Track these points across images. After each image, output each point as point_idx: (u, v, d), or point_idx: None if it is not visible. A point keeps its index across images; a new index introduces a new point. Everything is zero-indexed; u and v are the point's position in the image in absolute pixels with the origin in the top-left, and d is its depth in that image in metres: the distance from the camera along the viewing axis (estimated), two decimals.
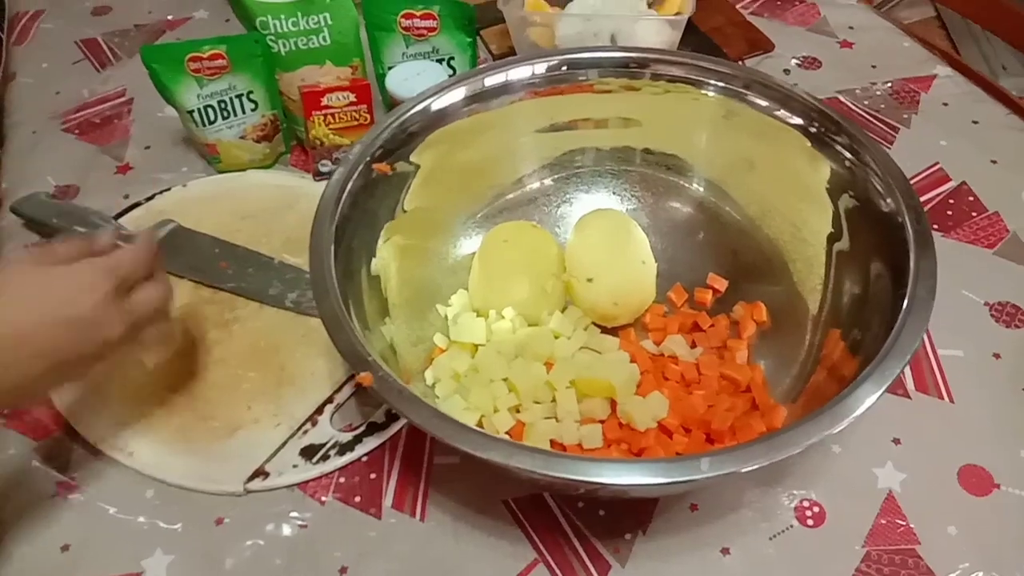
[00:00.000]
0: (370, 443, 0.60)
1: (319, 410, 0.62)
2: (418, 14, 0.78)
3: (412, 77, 0.75)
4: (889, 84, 0.89)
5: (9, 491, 0.58)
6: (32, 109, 0.90)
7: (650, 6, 0.86)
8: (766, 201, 0.66)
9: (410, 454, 0.60)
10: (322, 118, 0.75)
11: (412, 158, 0.63)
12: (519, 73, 0.65)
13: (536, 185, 0.70)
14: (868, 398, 0.45)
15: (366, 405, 0.62)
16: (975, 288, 0.68)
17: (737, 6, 1.00)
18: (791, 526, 0.55)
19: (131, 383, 0.62)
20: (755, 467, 0.43)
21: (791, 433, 0.44)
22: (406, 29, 0.78)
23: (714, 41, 0.94)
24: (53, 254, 0.52)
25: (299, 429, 0.61)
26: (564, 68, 0.65)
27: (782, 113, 0.62)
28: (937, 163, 0.79)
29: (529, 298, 0.63)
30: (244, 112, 0.77)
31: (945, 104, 0.86)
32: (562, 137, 0.70)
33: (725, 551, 0.54)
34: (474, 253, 0.67)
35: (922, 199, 0.67)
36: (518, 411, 0.58)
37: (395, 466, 0.59)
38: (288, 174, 0.82)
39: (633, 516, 0.56)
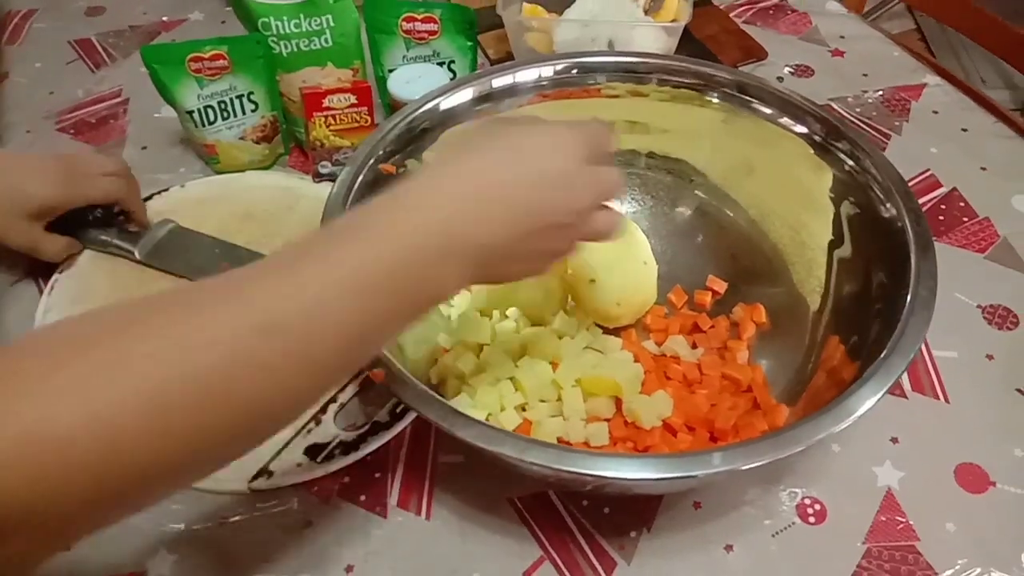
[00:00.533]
0: (374, 442, 0.59)
1: (323, 409, 0.61)
2: (419, 17, 0.78)
3: (414, 80, 0.75)
4: (880, 92, 0.90)
5: None
6: (26, 109, 0.89)
7: (647, 13, 0.87)
8: (766, 205, 0.67)
9: (414, 453, 0.60)
10: (323, 119, 0.75)
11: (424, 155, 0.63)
12: (528, 75, 0.65)
13: None
14: (873, 394, 0.46)
15: (370, 404, 0.62)
16: (968, 291, 0.70)
17: (731, 15, 1.01)
18: (793, 523, 0.56)
19: None
20: (766, 461, 0.43)
21: (799, 429, 0.45)
22: (407, 32, 0.79)
23: (709, 49, 0.95)
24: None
25: (303, 428, 0.60)
26: (574, 72, 0.66)
27: (784, 120, 0.63)
28: (928, 169, 0.81)
29: (533, 298, 0.63)
30: (244, 113, 0.77)
31: (935, 112, 0.88)
32: None
33: (729, 548, 0.55)
34: None
35: None
36: (524, 410, 0.58)
37: (399, 465, 0.59)
38: (287, 175, 0.82)
39: (638, 514, 0.56)
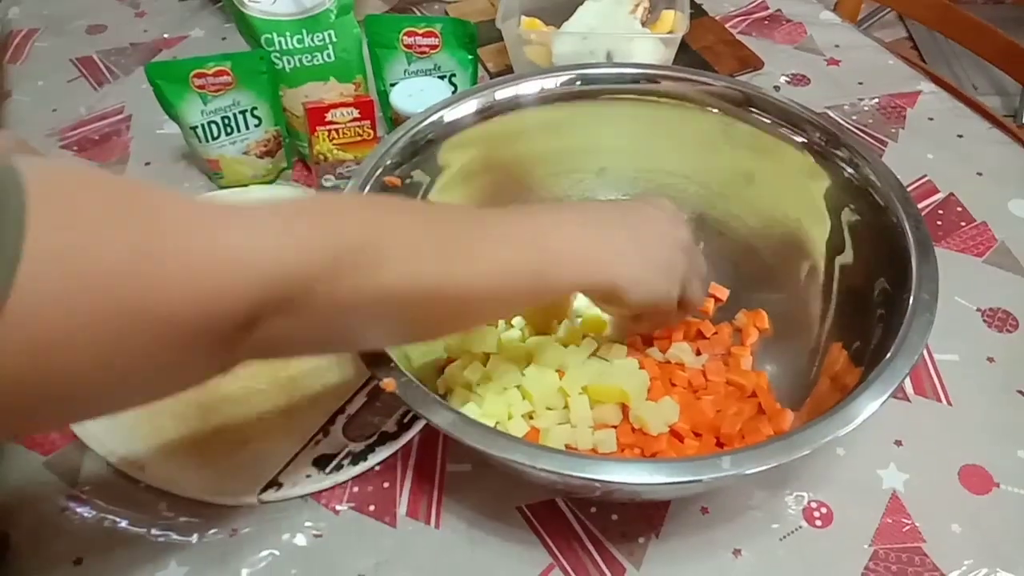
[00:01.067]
0: (382, 452, 0.60)
1: (331, 421, 0.62)
2: (420, 32, 0.79)
3: (416, 93, 0.76)
4: (876, 100, 0.91)
5: (20, 506, 0.58)
6: (29, 127, 0.90)
7: (644, 25, 0.88)
8: (766, 213, 0.68)
9: (423, 463, 0.60)
10: (326, 133, 0.76)
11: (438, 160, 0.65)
12: (530, 87, 0.66)
13: (544, 196, 0.71)
14: (878, 397, 0.46)
15: (377, 415, 0.63)
16: (967, 295, 0.70)
17: (726, 25, 1.03)
18: (800, 527, 0.57)
19: None
20: (775, 464, 0.44)
21: (806, 432, 0.45)
22: (408, 47, 0.80)
23: (705, 59, 0.96)
24: None
25: (311, 440, 0.61)
26: (578, 83, 0.67)
27: (784, 129, 0.64)
28: (925, 175, 0.82)
29: (538, 308, 0.64)
30: (248, 128, 0.78)
31: (930, 119, 0.89)
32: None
33: (737, 552, 0.55)
34: None
35: None
36: (531, 418, 0.58)
37: (408, 475, 0.60)
38: (291, 189, 0.82)
39: (646, 520, 0.57)
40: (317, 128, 0.75)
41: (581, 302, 0.68)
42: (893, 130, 0.88)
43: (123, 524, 0.57)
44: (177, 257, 0.33)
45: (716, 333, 0.65)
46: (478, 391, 0.59)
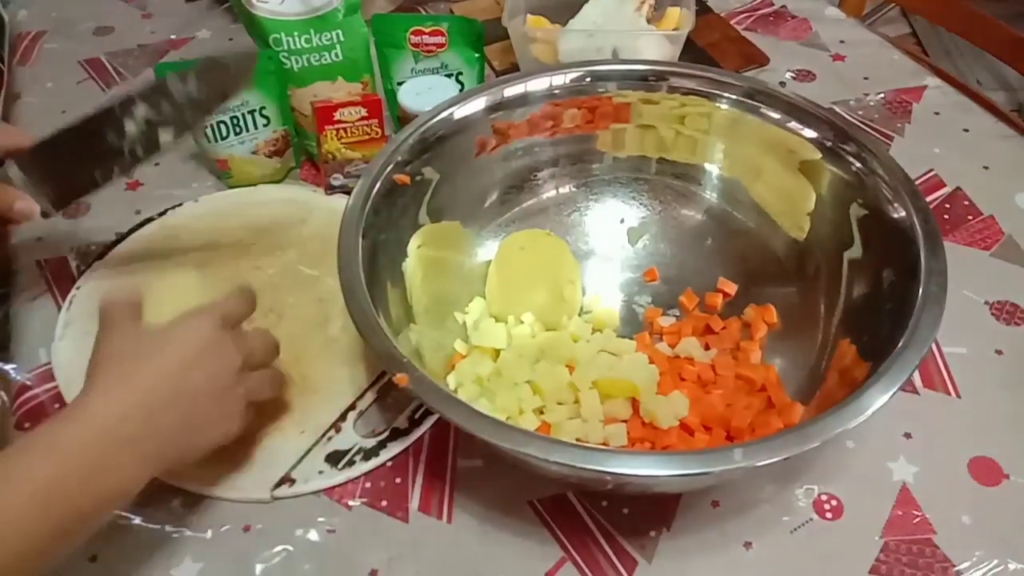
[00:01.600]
0: (394, 448, 0.60)
1: (342, 417, 0.62)
2: (427, 31, 0.79)
3: (424, 91, 0.77)
4: (882, 95, 0.92)
5: None
6: (38, 128, 0.88)
7: (649, 22, 0.89)
8: (774, 207, 0.68)
9: (434, 458, 0.61)
10: (335, 132, 0.76)
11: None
12: (539, 84, 0.67)
13: (552, 194, 0.72)
14: (887, 390, 0.47)
15: (389, 411, 0.63)
16: (975, 288, 0.71)
17: (732, 22, 1.03)
18: (811, 519, 0.57)
19: None
20: (786, 456, 0.44)
21: (817, 425, 0.46)
22: (415, 45, 0.80)
23: (711, 56, 0.96)
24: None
25: (323, 436, 0.61)
26: (587, 80, 0.67)
27: (792, 124, 0.64)
28: (932, 170, 0.82)
29: (548, 304, 0.64)
30: (256, 128, 0.78)
31: (936, 113, 0.89)
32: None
33: (748, 545, 0.56)
34: (489, 261, 0.68)
35: None
36: (542, 412, 0.59)
37: (419, 470, 0.60)
38: (299, 188, 0.83)
39: (657, 514, 0.57)
40: (325, 127, 0.76)
41: (590, 298, 0.68)
42: (899, 125, 0.88)
43: (137, 521, 0.57)
44: None
45: (725, 328, 0.66)
46: (489, 386, 0.59)
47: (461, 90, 0.80)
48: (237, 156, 0.79)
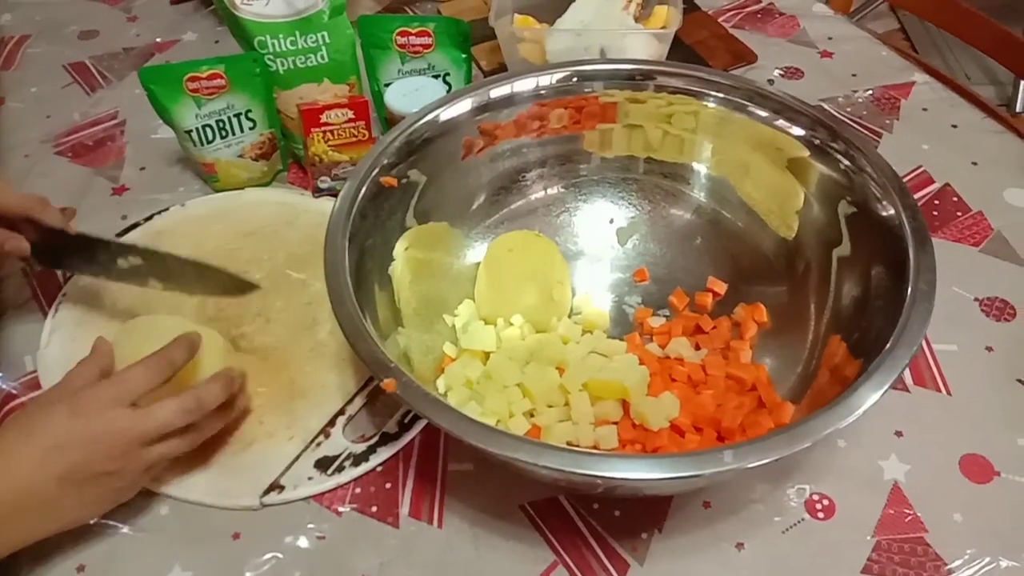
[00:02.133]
0: (384, 453, 0.60)
1: (331, 422, 0.62)
2: (413, 32, 0.79)
3: (411, 93, 0.76)
4: (870, 92, 0.92)
5: None
6: (24, 133, 0.90)
7: (637, 20, 0.88)
8: (763, 206, 0.68)
9: (424, 463, 0.60)
10: (321, 135, 0.75)
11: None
12: (526, 84, 0.66)
13: (540, 195, 0.72)
14: (878, 388, 0.47)
15: (378, 416, 0.63)
16: (965, 284, 0.71)
17: (719, 20, 1.03)
18: (803, 519, 0.57)
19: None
20: (776, 457, 0.44)
21: (808, 425, 0.45)
22: (401, 47, 0.80)
23: (699, 54, 0.96)
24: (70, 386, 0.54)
25: (312, 442, 0.61)
26: (573, 80, 0.67)
27: (780, 122, 0.64)
28: (920, 166, 0.82)
29: (537, 305, 0.64)
30: (242, 131, 0.78)
31: (924, 109, 0.89)
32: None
33: (740, 546, 0.55)
34: (478, 264, 0.68)
35: None
36: (532, 415, 0.59)
37: (410, 475, 0.60)
38: (286, 191, 0.82)
39: (648, 516, 0.57)
40: (312, 130, 0.75)
41: (579, 299, 0.68)
42: (887, 121, 0.88)
43: (125, 529, 0.57)
44: None
45: (715, 327, 0.65)
46: (479, 389, 0.59)
47: (448, 91, 0.79)
48: (223, 160, 0.79)
